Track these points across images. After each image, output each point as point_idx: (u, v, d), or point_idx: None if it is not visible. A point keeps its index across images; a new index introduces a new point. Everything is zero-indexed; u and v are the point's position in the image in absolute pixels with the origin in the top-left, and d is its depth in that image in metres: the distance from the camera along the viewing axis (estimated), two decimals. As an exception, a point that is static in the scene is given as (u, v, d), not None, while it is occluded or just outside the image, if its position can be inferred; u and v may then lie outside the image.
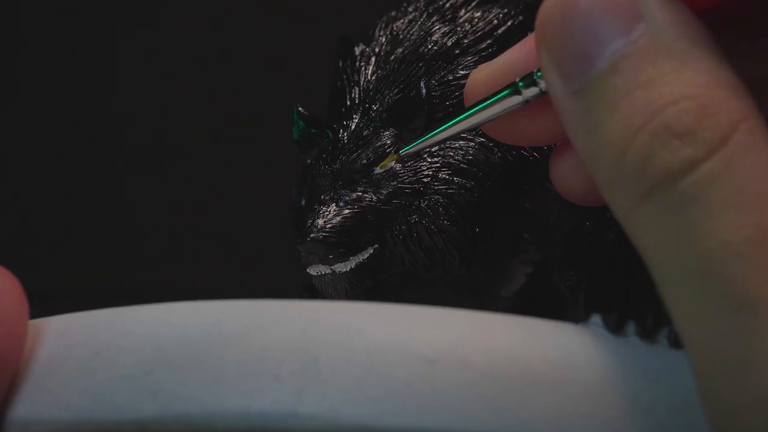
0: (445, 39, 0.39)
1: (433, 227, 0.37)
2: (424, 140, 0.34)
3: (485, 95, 0.32)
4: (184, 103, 0.73)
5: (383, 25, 0.40)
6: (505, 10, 0.39)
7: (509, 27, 0.39)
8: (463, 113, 0.33)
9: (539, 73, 0.30)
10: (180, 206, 0.74)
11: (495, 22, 0.39)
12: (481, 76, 0.33)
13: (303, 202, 0.39)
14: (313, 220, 0.36)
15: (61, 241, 0.75)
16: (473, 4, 0.39)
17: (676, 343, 0.30)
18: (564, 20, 0.28)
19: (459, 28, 0.39)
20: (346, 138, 0.38)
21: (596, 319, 0.31)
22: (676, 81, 0.26)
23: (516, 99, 0.31)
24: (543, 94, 0.31)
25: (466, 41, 0.39)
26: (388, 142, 0.37)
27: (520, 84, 0.31)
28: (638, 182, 0.26)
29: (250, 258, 0.71)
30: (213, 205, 0.73)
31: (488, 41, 0.39)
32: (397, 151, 0.37)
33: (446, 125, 0.33)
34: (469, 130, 0.34)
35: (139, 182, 0.75)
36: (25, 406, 0.29)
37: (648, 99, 0.26)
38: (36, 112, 0.74)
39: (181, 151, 0.74)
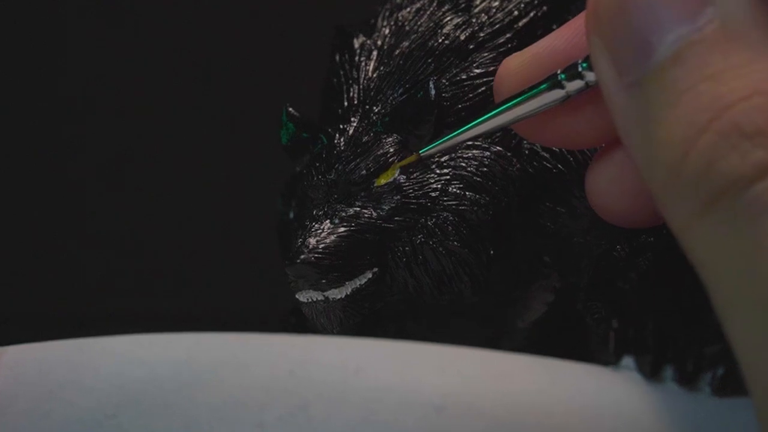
0: (458, 32, 0.38)
1: (441, 249, 0.36)
2: (446, 139, 0.34)
3: (518, 89, 0.32)
4: (153, 105, 0.73)
5: (387, 14, 0.40)
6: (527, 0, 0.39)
7: (531, 19, 0.39)
8: (494, 109, 0.32)
9: (585, 64, 0.30)
10: (154, 218, 0.74)
11: (515, 13, 0.39)
12: (514, 65, 0.32)
13: (291, 217, 0.39)
14: (304, 239, 0.36)
15: (21, 257, 0.75)
16: (490, -9, 0.39)
17: (720, 390, 0.30)
18: (621, 1, 0.28)
19: (474, 20, 0.39)
20: (342, 144, 0.38)
21: (628, 361, 0.31)
22: (749, 74, 0.26)
23: (557, 93, 0.31)
24: (589, 87, 0.30)
25: (482, 35, 0.38)
26: (391, 150, 0.37)
27: (562, 76, 0.31)
28: (701, 189, 0.26)
29: (226, 279, 0.71)
30: (187, 214, 0.73)
31: (507, 35, 0.38)
32: (400, 160, 0.37)
33: (474, 122, 0.33)
34: (498, 129, 0.33)
35: (112, 193, 0.75)
36: (-32, 452, 0.29)
37: (715, 94, 0.26)
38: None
39: (156, 157, 0.74)
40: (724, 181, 0.26)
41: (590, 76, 0.30)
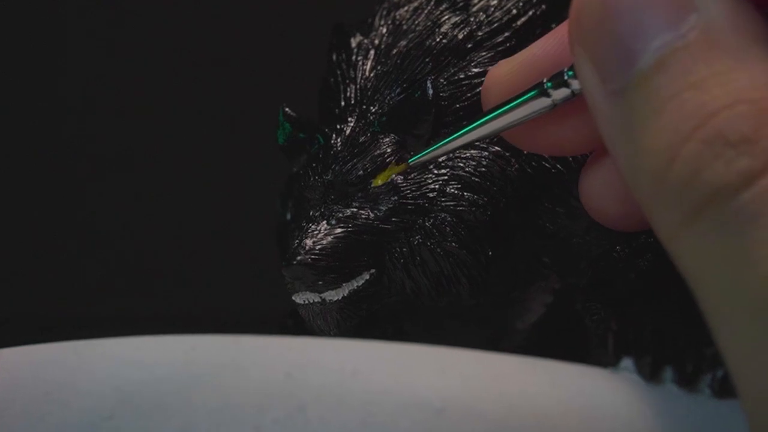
0: (456, 31, 0.38)
1: (438, 250, 0.36)
2: (435, 148, 0.34)
3: (505, 97, 0.32)
4: (153, 105, 0.73)
5: (384, 13, 0.39)
6: (526, -2, 0.39)
7: (530, 17, 0.38)
8: (481, 118, 0.32)
9: (570, 72, 0.30)
10: (154, 218, 0.74)
11: (514, 11, 0.39)
12: (501, 74, 0.32)
13: (288, 217, 0.39)
14: (301, 241, 0.36)
15: (21, 257, 0.75)
16: (489, -10, 0.39)
17: (720, 392, 0.30)
18: (604, 9, 0.28)
19: (472, 18, 0.38)
20: (339, 144, 0.37)
21: (627, 362, 0.30)
22: (732, 82, 0.26)
23: (543, 102, 0.31)
24: (575, 96, 0.30)
25: (480, 34, 0.38)
26: (389, 150, 0.37)
27: (548, 84, 0.31)
28: (686, 198, 0.26)
29: (225, 279, 0.71)
30: (186, 214, 0.73)
31: (506, 34, 0.38)
32: (398, 161, 0.37)
33: (461, 132, 0.33)
34: (486, 138, 0.33)
35: (112, 193, 0.75)
36: (-37, 456, 0.29)
37: (699, 102, 0.26)
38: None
39: (156, 157, 0.74)
40: (709, 190, 0.26)
41: (576, 85, 0.30)
